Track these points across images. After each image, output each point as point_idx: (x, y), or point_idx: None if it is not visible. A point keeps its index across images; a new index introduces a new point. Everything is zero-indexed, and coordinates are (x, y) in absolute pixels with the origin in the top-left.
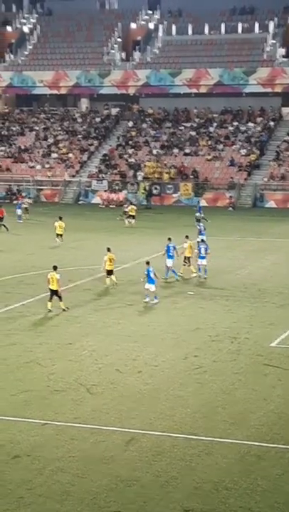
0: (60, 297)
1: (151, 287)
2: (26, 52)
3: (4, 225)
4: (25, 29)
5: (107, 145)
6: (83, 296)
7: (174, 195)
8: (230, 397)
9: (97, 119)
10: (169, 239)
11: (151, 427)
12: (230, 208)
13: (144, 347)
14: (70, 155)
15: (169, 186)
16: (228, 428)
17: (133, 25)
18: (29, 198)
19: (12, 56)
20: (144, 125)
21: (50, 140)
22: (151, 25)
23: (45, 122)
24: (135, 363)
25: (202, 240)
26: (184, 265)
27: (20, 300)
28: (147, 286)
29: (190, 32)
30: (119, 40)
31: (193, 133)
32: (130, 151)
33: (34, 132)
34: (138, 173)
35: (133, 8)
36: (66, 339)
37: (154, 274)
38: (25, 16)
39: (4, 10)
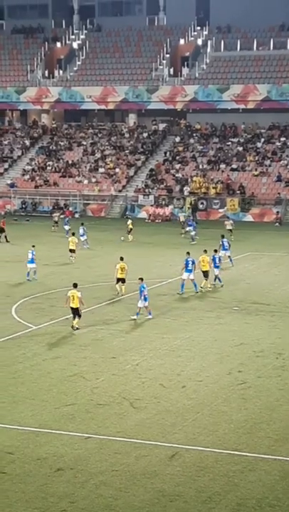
0: (79, 316)
1: (144, 304)
2: (75, 68)
3: (6, 237)
4: (75, 45)
5: (154, 160)
6: (127, 311)
7: (220, 210)
8: (275, 414)
9: (145, 134)
10: (188, 253)
11: (194, 442)
12: (277, 224)
13: (188, 362)
14: (117, 170)
15: (216, 201)
16: (272, 444)
17: (182, 41)
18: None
19: (61, 72)
20: (192, 140)
21: (98, 155)
22: (199, 41)
23: (92, 137)
24: (179, 378)
25: (215, 250)
26: (205, 279)
27: (65, 314)
28: (140, 304)
29: (238, 48)
30: (167, 55)
31: (240, 148)
32: (177, 166)
33: (82, 147)
34: (184, 188)
35: (182, 24)
36: (110, 353)
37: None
38: (75, 32)
39: (54, 26)
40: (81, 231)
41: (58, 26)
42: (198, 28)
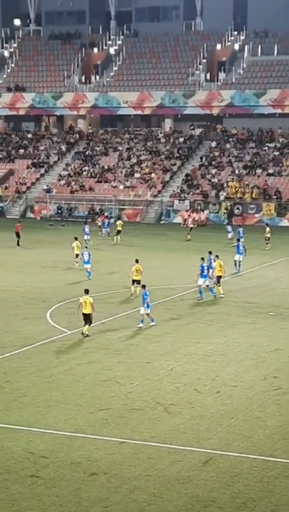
0: (90, 322)
1: (147, 311)
2: (112, 74)
3: (18, 241)
4: (112, 51)
5: (190, 165)
6: (163, 316)
7: (256, 215)
8: None
9: (181, 140)
10: (202, 258)
11: (228, 448)
12: None
13: (223, 367)
14: (153, 175)
15: (252, 206)
16: None
17: (218, 46)
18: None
19: (98, 77)
20: (228, 145)
21: (134, 160)
22: (236, 46)
23: (128, 142)
24: (214, 383)
25: (202, 259)
26: (217, 285)
27: (100, 318)
28: (142, 311)
29: (276, 52)
30: (204, 60)
31: (276, 153)
32: (213, 171)
33: (118, 152)
34: (220, 193)
35: (219, 29)
36: (145, 358)
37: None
38: (112, 37)
39: (91, 32)
40: (86, 229)
41: (95, 32)
42: (235, 32)
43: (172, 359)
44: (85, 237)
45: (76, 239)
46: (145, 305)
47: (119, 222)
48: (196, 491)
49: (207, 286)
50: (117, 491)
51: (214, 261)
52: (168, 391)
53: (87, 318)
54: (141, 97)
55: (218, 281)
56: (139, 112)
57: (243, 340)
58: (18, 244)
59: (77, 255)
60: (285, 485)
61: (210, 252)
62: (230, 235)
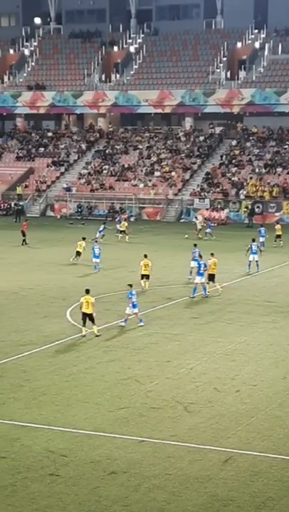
0: (93, 321)
1: (133, 310)
2: (132, 72)
3: (24, 240)
4: (132, 49)
5: (210, 163)
6: (182, 314)
7: (277, 213)
8: None
9: (201, 138)
10: (200, 256)
11: (248, 447)
12: None
13: (243, 366)
14: (173, 173)
15: (272, 205)
16: None
17: (239, 44)
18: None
19: (118, 76)
20: (248, 144)
21: (154, 158)
22: (257, 44)
23: (148, 141)
24: (233, 382)
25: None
26: (208, 283)
27: (120, 317)
28: (128, 310)
29: None
30: (224, 59)
31: None
32: (233, 169)
33: (138, 151)
34: (240, 192)
35: (239, 27)
36: (164, 357)
37: (135, 298)
38: (132, 36)
39: (111, 31)
40: (101, 227)
41: (115, 31)
42: (256, 31)
43: (192, 358)
44: (97, 234)
45: (84, 239)
46: (130, 305)
47: (123, 223)
48: (215, 490)
49: (202, 283)
50: (137, 489)
51: (209, 259)
52: (188, 390)
53: (89, 318)
54: (161, 95)
55: (212, 280)
56: (159, 111)
57: (263, 339)
58: (23, 244)
59: (78, 252)
60: None
61: (195, 245)
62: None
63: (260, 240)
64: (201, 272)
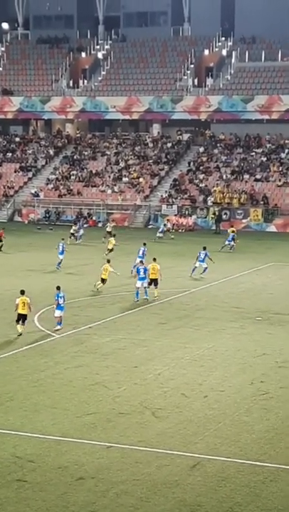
0: (24, 321)
1: (58, 313)
2: (100, 78)
3: (1, 246)
4: (100, 55)
5: (178, 170)
6: (150, 320)
7: (244, 220)
8: None
9: (169, 145)
10: (141, 262)
11: (216, 453)
12: None
13: (211, 372)
14: (141, 179)
15: (239, 212)
16: None
17: (206, 52)
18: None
19: (86, 82)
20: (216, 150)
21: (122, 164)
22: (224, 52)
23: (116, 147)
24: (201, 388)
25: (141, 262)
26: (148, 287)
27: (88, 323)
28: (57, 313)
29: (263, 58)
30: (192, 66)
31: (264, 159)
32: (201, 176)
33: (106, 157)
34: (208, 198)
35: (206, 34)
36: (132, 362)
37: (63, 301)
38: (100, 42)
39: (79, 36)
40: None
41: (83, 36)
42: (223, 38)
43: (160, 363)
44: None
45: (109, 261)
46: (58, 307)
47: (111, 239)
48: (183, 495)
49: (145, 288)
50: (105, 495)
51: (150, 264)
52: (155, 395)
53: (23, 318)
54: (129, 101)
55: (154, 284)
56: (127, 117)
57: (231, 345)
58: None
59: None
60: (271, 489)
61: (144, 244)
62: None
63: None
64: (142, 276)
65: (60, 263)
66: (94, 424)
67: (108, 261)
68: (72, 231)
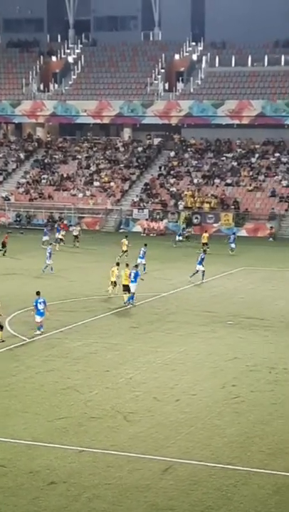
0: (1, 327)
1: (38, 318)
2: (70, 82)
3: (5, 251)
4: (70, 59)
5: (149, 174)
6: (121, 324)
7: (215, 224)
8: (268, 428)
9: (139, 149)
10: (127, 265)
11: (188, 456)
12: (271, 239)
13: (182, 375)
14: (112, 184)
15: (210, 216)
16: (265, 459)
17: (177, 57)
18: (75, 224)
19: (56, 86)
20: (186, 155)
21: (93, 168)
22: (194, 57)
23: (87, 151)
24: (173, 392)
25: (136, 266)
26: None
27: (59, 327)
28: (38, 319)
29: (233, 63)
30: (162, 70)
31: (234, 163)
32: (172, 180)
33: (77, 161)
34: (179, 203)
35: (177, 39)
36: (104, 367)
37: (44, 306)
38: (70, 46)
39: (49, 40)
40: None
41: (54, 40)
42: (194, 43)
43: (131, 367)
44: (44, 238)
45: (118, 264)
46: (37, 312)
47: (123, 240)
48: (155, 499)
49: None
50: (77, 499)
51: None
52: (127, 399)
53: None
54: (100, 105)
55: (127, 290)
56: (97, 121)
57: (202, 348)
58: (3, 254)
59: (114, 283)
60: (243, 493)
61: (145, 245)
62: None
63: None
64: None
65: (46, 267)
66: (65, 428)
67: (117, 264)
68: (60, 236)
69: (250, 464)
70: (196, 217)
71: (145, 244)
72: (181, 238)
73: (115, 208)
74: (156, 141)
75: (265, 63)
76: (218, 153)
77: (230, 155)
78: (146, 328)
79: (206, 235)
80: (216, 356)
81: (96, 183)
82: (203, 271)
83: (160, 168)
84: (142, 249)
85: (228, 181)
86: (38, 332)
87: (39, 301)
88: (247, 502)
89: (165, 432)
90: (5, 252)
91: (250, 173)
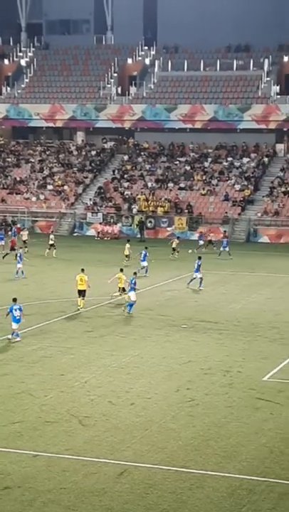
0: None
1: (14, 325)
2: (23, 85)
3: (6, 254)
4: (23, 62)
5: (103, 178)
6: (76, 328)
7: (169, 228)
8: (223, 431)
9: (93, 152)
10: (120, 270)
11: (143, 460)
12: None
13: (137, 379)
14: (66, 187)
15: (164, 220)
16: (220, 461)
17: (129, 61)
18: (23, 228)
19: (9, 89)
20: (140, 159)
21: (46, 172)
22: (147, 61)
23: (40, 154)
24: (128, 395)
25: (135, 273)
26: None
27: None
28: (14, 325)
29: (186, 68)
30: (115, 74)
31: (188, 167)
32: (125, 184)
33: (30, 164)
34: (133, 207)
35: (129, 43)
36: (59, 370)
37: (20, 313)
38: (23, 49)
39: (1, 43)
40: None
41: (6, 43)
42: (146, 47)
43: (86, 371)
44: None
45: (122, 270)
46: (14, 319)
47: (127, 245)
48: (110, 503)
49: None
50: (31, 504)
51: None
52: (82, 403)
53: None
54: (52, 109)
55: (82, 295)
56: (50, 124)
57: (157, 352)
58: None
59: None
60: (197, 496)
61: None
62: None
63: (226, 250)
64: (131, 287)
65: (18, 272)
66: (20, 432)
67: (121, 270)
68: (51, 242)
69: (205, 467)
70: (150, 221)
71: (146, 248)
72: (202, 243)
73: (69, 211)
74: (110, 144)
75: (218, 68)
76: (172, 157)
77: (183, 159)
78: (101, 331)
79: (176, 241)
80: (170, 360)
81: (49, 187)
82: (201, 278)
83: (114, 171)
84: (143, 252)
85: (182, 185)
86: (18, 339)
87: (14, 307)
88: (202, 505)
89: (120, 435)
90: (6, 255)
91: (204, 177)
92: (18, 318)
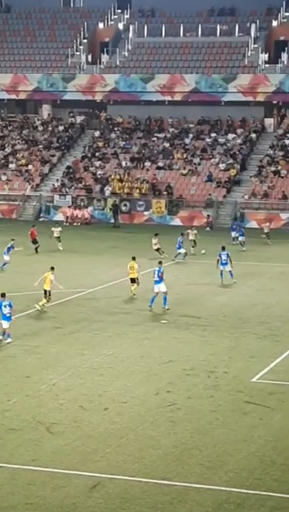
0: None
1: (4, 324)
2: None
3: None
4: None
5: (71, 156)
6: (43, 324)
7: (146, 212)
8: (207, 438)
9: (60, 128)
10: (133, 258)
11: (118, 471)
12: (208, 228)
13: (111, 381)
14: (30, 166)
15: (140, 203)
16: (205, 472)
17: (100, 26)
18: None
19: None
20: (113, 135)
21: (8, 150)
22: (120, 26)
23: (2, 130)
24: (101, 399)
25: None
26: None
27: None
28: (5, 324)
29: (163, 34)
30: (85, 41)
31: (167, 144)
32: (97, 163)
33: None
34: (106, 188)
35: (100, 6)
36: (24, 372)
37: (10, 309)
38: None
39: None
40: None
41: None
42: (119, 11)
43: (54, 373)
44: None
45: (134, 259)
46: (4, 317)
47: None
48: None
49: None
50: None
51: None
52: (50, 409)
53: None
54: (15, 79)
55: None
56: (13, 97)
57: (133, 351)
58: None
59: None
60: (179, 511)
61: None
62: (237, 235)
63: (239, 239)
64: (156, 279)
65: (5, 264)
66: None
67: (133, 258)
68: (56, 234)
69: (188, 479)
70: (125, 205)
71: (182, 234)
72: (236, 234)
73: (34, 193)
74: (79, 119)
75: (199, 33)
76: (149, 133)
77: (161, 135)
78: (71, 328)
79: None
80: (148, 359)
81: (12, 166)
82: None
83: (84, 149)
84: (179, 238)
85: (160, 164)
86: (8, 340)
87: (3, 304)
88: None
89: (93, 444)
90: (37, 248)
91: (184, 156)
92: (8, 315)
